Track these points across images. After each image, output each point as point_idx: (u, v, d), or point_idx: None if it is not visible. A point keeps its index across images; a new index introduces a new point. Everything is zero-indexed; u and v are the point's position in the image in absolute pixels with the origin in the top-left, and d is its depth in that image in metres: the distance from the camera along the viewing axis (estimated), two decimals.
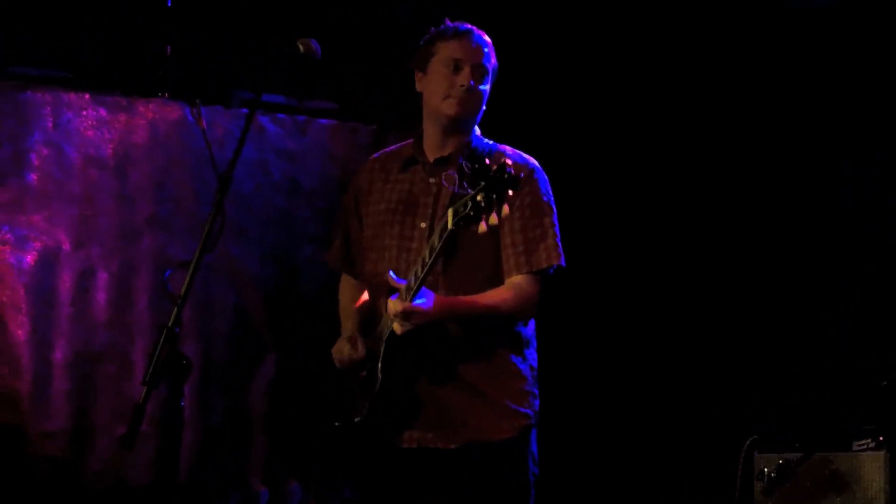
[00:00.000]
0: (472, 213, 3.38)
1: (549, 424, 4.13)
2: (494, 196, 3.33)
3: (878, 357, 5.04)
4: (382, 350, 3.81)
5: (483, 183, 3.35)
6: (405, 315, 3.67)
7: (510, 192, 3.36)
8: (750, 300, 5.92)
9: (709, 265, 6.04)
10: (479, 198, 3.35)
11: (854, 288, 5.44)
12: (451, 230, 3.48)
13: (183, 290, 3.19)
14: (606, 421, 6.09)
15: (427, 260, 3.62)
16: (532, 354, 4.01)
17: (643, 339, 6.14)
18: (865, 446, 4.38)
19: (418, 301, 3.67)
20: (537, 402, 3.99)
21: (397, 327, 3.71)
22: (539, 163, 4.03)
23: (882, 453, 4.33)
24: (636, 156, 6.14)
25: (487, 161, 3.38)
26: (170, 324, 3.12)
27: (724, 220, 5.95)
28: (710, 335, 6.00)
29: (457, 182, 3.51)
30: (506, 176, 3.33)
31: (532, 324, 4.03)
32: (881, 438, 4.34)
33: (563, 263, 3.94)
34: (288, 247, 5.83)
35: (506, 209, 3.36)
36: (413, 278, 3.68)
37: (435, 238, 3.58)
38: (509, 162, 3.37)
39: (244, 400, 5.70)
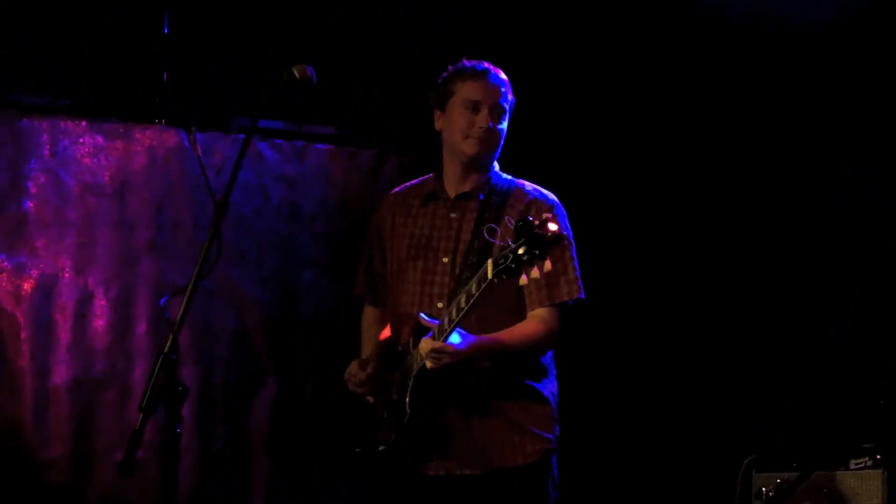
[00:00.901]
0: (513, 266, 3.51)
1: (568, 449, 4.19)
2: (537, 252, 3.46)
3: (879, 361, 5.03)
4: (411, 385, 3.93)
5: (525, 238, 3.47)
6: (438, 355, 3.79)
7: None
8: (749, 309, 5.93)
9: (709, 274, 6.05)
10: (520, 251, 3.48)
11: (854, 289, 5.44)
12: (491, 280, 3.60)
13: (179, 316, 3.22)
14: (611, 439, 6.09)
15: (463, 305, 3.74)
16: (552, 381, 4.14)
17: (641, 354, 6.14)
18: (863, 465, 4.38)
19: (451, 340, 3.80)
20: (558, 428, 4.12)
21: (430, 365, 3.83)
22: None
23: (880, 472, 4.33)
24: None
25: (531, 217, 3.50)
26: (166, 350, 3.14)
27: (724, 224, 5.96)
28: (710, 349, 6.00)
29: (498, 233, 3.60)
30: (549, 234, 3.45)
31: (550, 352, 4.13)
32: (879, 457, 4.34)
33: (583, 296, 4.05)
34: (288, 271, 5.83)
35: (548, 264, 3.46)
36: (447, 320, 3.81)
37: (472, 286, 3.71)
38: (546, 215, 3.51)
39: (245, 423, 5.69)
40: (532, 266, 3.46)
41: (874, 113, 5.44)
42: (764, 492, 4.55)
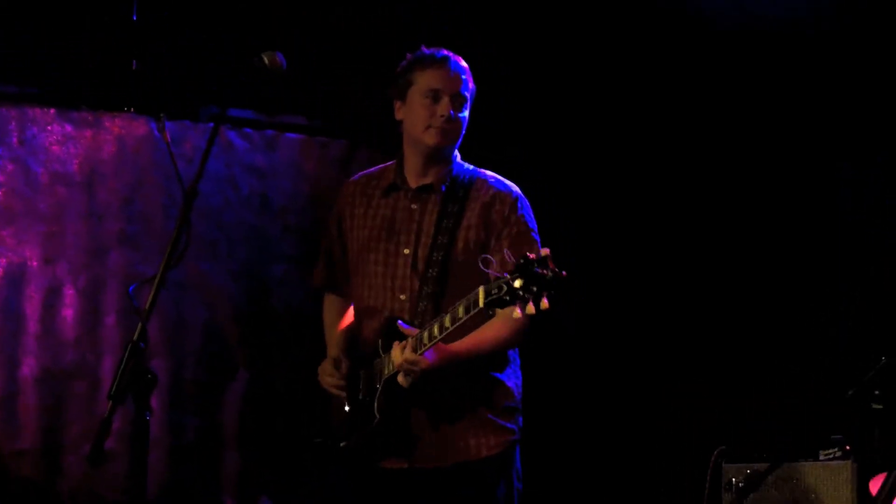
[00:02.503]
0: (507, 298, 3.46)
1: (530, 439, 4.18)
2: (535, 289, 3.40)
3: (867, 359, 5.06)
4: (381, 389, 3.90)
5: (521, 274, 3.41)
6: (412, 367, 3.77)
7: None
8: (723, 303, 5.95)
9: (682, 268, 6.07)
10: (516, 285, 3.42)
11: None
12: (482, 309, 3.56)
13: (148, 304, 3.19)
14: (583, 434, 6.09)
15: (448, 326, 3.70)
16: (515, 371, 4.11)
17: (610, 344, 6.15)
18: (832, 456, 4.39)
19: (426, 353, 3.77)
20: (521, 419, 4.09)
21: (402, 379, 3.81)
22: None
23: (849, 463, 4.34)
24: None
25: (531, 255, 3.44)
26: (135, 338, 3.12)
27: (719, 223, 5.98)
28: (680, 341, 6.02)
29: (493, 265, 3.56)
30: (550, 275, 3.40)
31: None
32: (848, 448, 4.35)
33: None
34: (259, 263, 5.82)
35: (545, 302, 3.41)
36: (427, 335, 3.76)
37: (460, 309, 3.66)
38: (545, 252, 3.44)
39: (216, 417, 5.67)
40: (527, 303, 3.41)
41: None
42: (734, 482, 4.56)
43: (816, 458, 4.44)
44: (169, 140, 3.50)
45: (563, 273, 3.41)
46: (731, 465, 4.63)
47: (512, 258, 3.47)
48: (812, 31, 5.55)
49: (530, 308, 3.40)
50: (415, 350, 3.77)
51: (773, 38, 5.68)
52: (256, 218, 5.82)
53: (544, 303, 3.40)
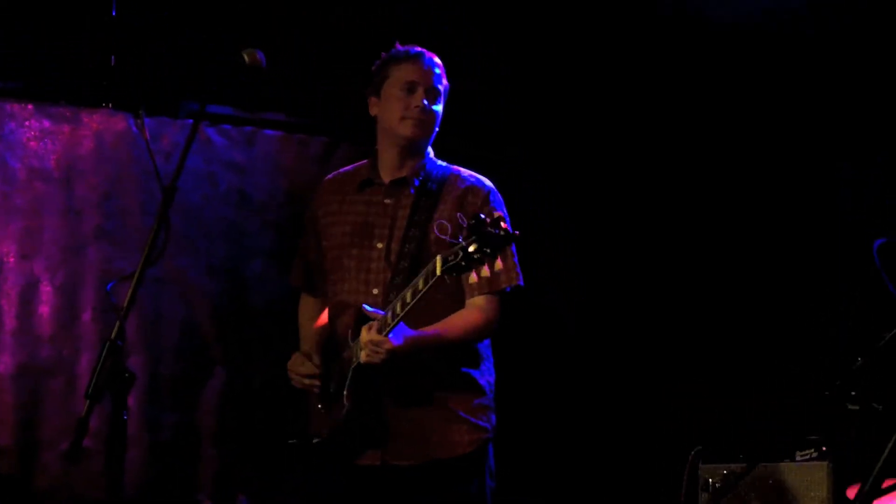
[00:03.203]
0: (463, 264, 3.46)
1: (505, 437, 4.18)
2: (488, 250, 3.41)
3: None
4: (350, 378, 3.89)
5: (476, 236, 3.42)
6: (376, 348, 3.75)
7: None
8: (701, 303, 5.97)
9: (676, 274, 6.09)
10: (471, 249, 3.43)
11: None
12: (440, 277, 3.55)
13: (126, 302, 3.19)
14: (558, 432, 6.10)
15: (409, 300, 3.70)
16: (489, 369, 4.12)
17: (590, 351, 6.16)
18: (809, 457, 4.41)
19: (390, 336, 3.76)
20: (494, 417, 4.10)
21: (364, 357, 3.79)
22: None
23: (825, 464, 4.36)
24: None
25: (483, 215, 3.45)
26: (112, 336, 3.11)
27: (709, 225, 6.00)
28: (655, 341, 6.04)
29: (449, 231, 3.56)
30: (502, 233, 3.42)
31: (487, 340, 4.11)
32: (824, 449, 4.37)
33: (522, 283, 4.02)
34: (237, 259, 5.80)
35: (499, 263, 3.42)
36: (391, 315, 3.77)
37: (420, 282, 3.66)
38: (498, 214, 3.48)
39: (193, 414, 5.66)
40: (482, 265, 3.43)
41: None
42: (710, 483, 4.57)
43: (793, 459, 4.46)
44: (147, 136, 3.49)
45: (517, 232, 3.43)
46: (708, 465, 4.64)
47: (465, 221, 3.50)
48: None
49: (485, 271, 3.42)
50: (380, 331, 3.76)
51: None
52: (235, 214, 5.80)
53: (498, 263, 3.42)
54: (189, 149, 3.38)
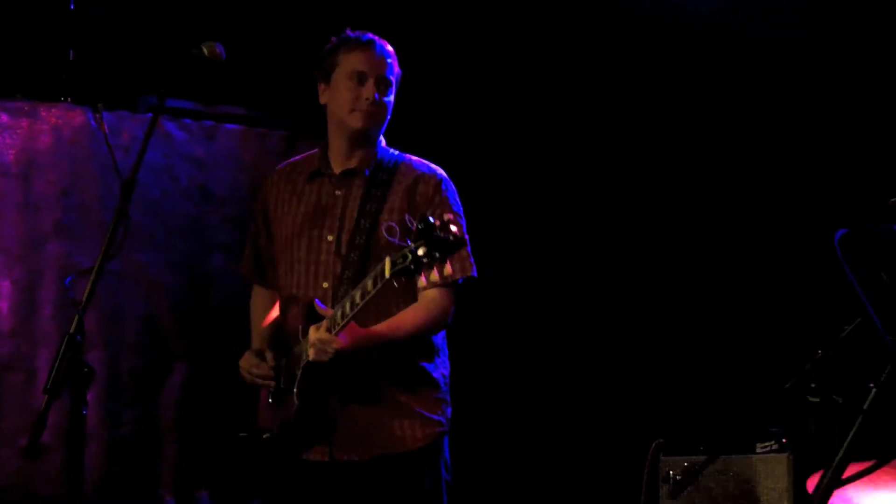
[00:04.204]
0: (412, 267, 3.40)
1: (460, 430, 4.16)
2: (437, 255, 3.36)
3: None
4: (300, 375, 3.83)
5: (425, 240, 3.37)
6: (324, 346, 3.70)
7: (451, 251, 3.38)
8: (659, 294, 6.00)
9: (632, 264, 6.11)
10: (420, 252, 3.37)
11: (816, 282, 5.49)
12: (388, 280, 3.49)
13: (84, 297, 3.17)
14: (515, 425, 6.11)
15: (358, 301, 3.63)
16: (444, 362, 4.07)
17: (550, 341, 6.17)
18: (769, 448, 4.43)
19: (340, 335, 3.71)
20: (449, 410, 4.05)
21: (312, 356, 3.73)
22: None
23: (785, 455, 4.38)
24: (584, 149, 6.23)
25: (431, 218, 3.39)
26: (71, 331, 3.09)
27: (662, 219, 6.03)
28: (617, 332, 6.06)
29: (398, 233, 3.52)
30: (451, 238, 3.35)
31: (442, 332, 4.06)
32: (784, 441, 4.39)
33: (476, 274, 3.97)
34: (198, 254, 5.79)
35: (448, 268, 3.38)
36: (340, 314, 3.70)
37: (368, 283, 3.59)
38: (448, 216, 3.39)
39: (153, 409, 5.64)
40: (431, 269, 3.37)
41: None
42: (671, 475, 4.59)
43: (753, 451, 4.48)
44: (106, 130, 3.47)
45: (466, 236, 3.39)
46: (669, 457, 4.66)
47: (414, 224, 3.42)
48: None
49: (434, 275, 3.37)
50: (329, 330, 3.70)
51: (723, 34, 5.73)
52: (195, 208, 5.79)
53: (447, 269, 3.36)
54: (147, 143, 3.37)
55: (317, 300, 3.82)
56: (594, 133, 6.20)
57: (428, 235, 3.36)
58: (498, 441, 6.01)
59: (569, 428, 6.06)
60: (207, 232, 5.80)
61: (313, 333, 3.72)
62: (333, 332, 3.70)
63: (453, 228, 3.36)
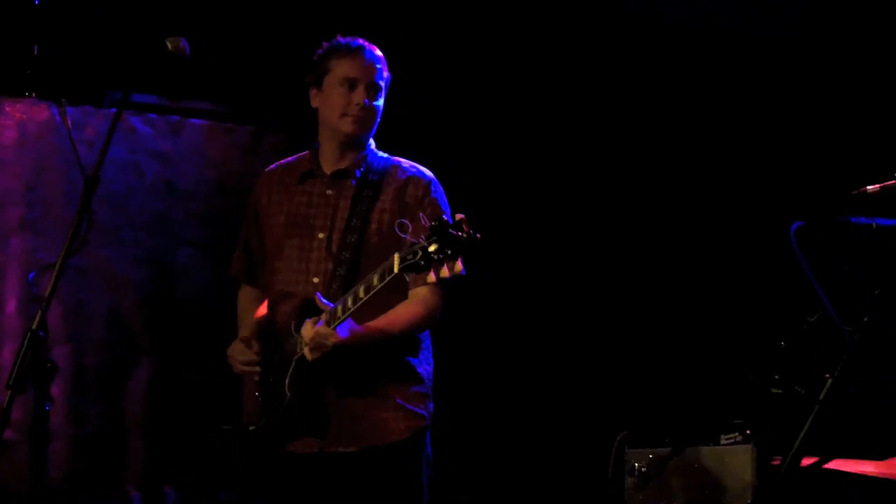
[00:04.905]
0: (422, 263, 3.45)
1: (442, 426, 4.19)
2: (450, 252, 3.41)
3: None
4: (292, 369, 3.88)
5: (437, 237, 3.42)
6: (323, 341, 3.74)
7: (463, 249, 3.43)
8: (626, 289, 6.02)
9: (598, 260, 6.13)
10: (431, 249, 3.42)
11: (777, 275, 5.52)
12: (396, 274, 3.54)
13: (48, 293, 3.16)
14: (489, 421, 6.12)
15: (361, 296, 3.70)
16: (427, 357, 4.12)
17: (519, 338, 6.19)
18: (733, 440, 4.46)
19: (337, 329, 3.75)
20: (432, 405, 4.10)
21: (308, 353, 3.78)
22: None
23: (750, 447, 4.41)
24: (559, 151, 6.23)
25: (446, 216, 3.49)
26: (34, 327, 3.09)
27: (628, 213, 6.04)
28: (583, 326, 6.08)
29: (410, 229, 3.55)
30: (464, 236, 3.41)
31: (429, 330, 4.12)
32: (749, 432, 4.42)
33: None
34: (164, 249, 5.76)
35: (459, 265, 3.42)
36: (341, 308, 3.76)
37: (375, 278, 3.65)
38: (460, 216, 3.45)
39: (119, 405, 5.61)
40: (442, 265, 3.42)
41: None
42: (637, 467, 4.61)
43: (717, 443, 4.51)
44: (70, 126, 3.47)
45: (478, 235, 3.44)
46: (634, 450, 4.69)
47: (427, 222, 3.48)
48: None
49: (444, 271, 3.42)
50: (328, 324, 3.76)
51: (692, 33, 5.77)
52: (161, 204, 5.77)
53: (458, 266, 3.42)
54: (111, 138, 3.36)
55: (318, 294, 3.85)
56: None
57: (441, 232, 3.42)
58: (474, 436, 6.02)
59: (539, 422, 6.08)
60: (173, 227, 5.79)
61: (310, 327, 3.78)
62: (332, 326, 3.74)
63: (466, 227, 3.43)
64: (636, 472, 4.62)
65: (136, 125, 5.69)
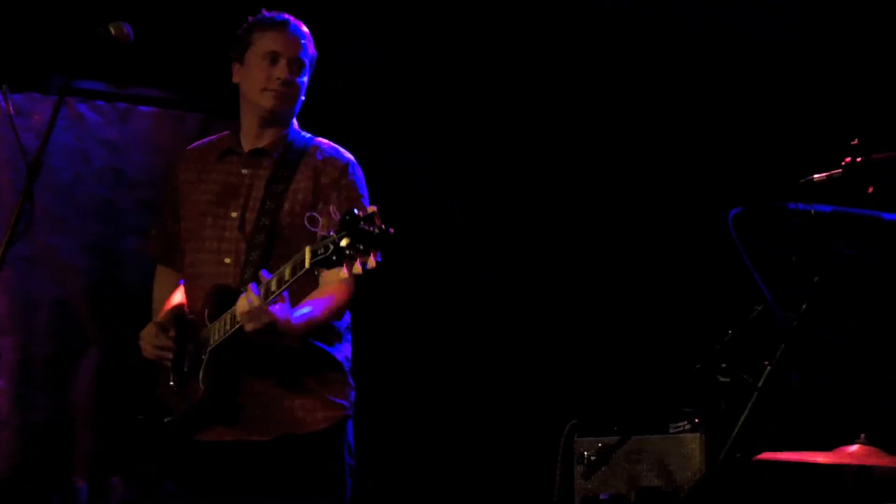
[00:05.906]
0: (333, 258, 3.36)
1: (366, 416, 4.15)
2: (362, 247, 3.32)
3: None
4: (206, 359, 3.81)
5: (348, 232, 3.33)
6: (258, 314, 3.63)
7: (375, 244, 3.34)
8: (568, 285, 6.03)
9: (543, 248, 6.14)
10: (343, 244, 3.33)
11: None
12: (308, 270, 3.46)
13: None
14: (426, 411, 6.10)
15: (274, 289, 3.61)
16: (346, 346, 4.05)
17: (464, 326, 6.18)
18: (682, 428, 4.49)
19: (273, 307, 3.65)
20: (353, 394, 4.04)
21: (247, 323, 3.66)
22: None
23: (698, 435, 4.44)
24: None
25: (356, 210, 3.36)
26: None
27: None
28: (530, 319, 6.08)
29: (320, 223, 3.49)
30: (376, 230, 3.32)
31: (347, 316, 4.05)
32: (697, 420, 4.45)
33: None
34: (111, 237, 5.73)
35: (372, 261, 3.33)
36: (264, 294, 3.65)
37: (286, 271, 3.56)
38: (372, 209, 3.36)
39: (67, 395, 5.58)
40: (354, 261, 3.33)
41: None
42: (585, 456, 4.63)
43: (666, 431, 4.54)
44: (12, 112, 3.42)
45: (391, 230, 3.36)
46: (583, 438, 4.70)
47: (338, 215, 3.39)
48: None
49: (357, 268, 3.33)
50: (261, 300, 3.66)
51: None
52: (109, 192, 5.72)
53: (371, 261, 3.33)
54: (54, 124, 3.33)
55: (263, 271, 3.72)
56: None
57: (352, 227, 3.33)
58: (405, 425, 6.00)
59: (482, 411, 6.07)
60: (121, 215, 5.74)
61: (243, 302, 3.65)
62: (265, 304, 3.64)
63: (378, 221, 3.33)
64: (585, 461, 4.64)
65: (84, 112, 5.63)
